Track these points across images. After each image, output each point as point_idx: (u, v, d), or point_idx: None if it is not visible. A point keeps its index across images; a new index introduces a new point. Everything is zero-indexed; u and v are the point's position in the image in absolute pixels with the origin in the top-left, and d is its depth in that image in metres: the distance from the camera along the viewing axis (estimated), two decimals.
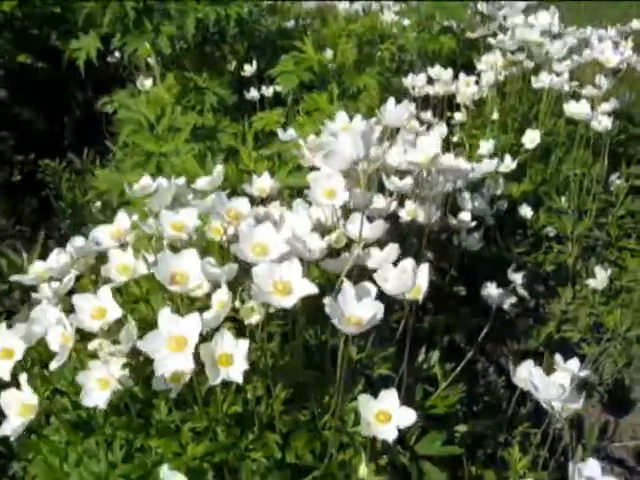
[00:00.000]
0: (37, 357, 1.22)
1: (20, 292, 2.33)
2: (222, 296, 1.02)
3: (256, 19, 2.66)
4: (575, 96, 2.10)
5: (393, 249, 1.18)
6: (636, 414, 1.83)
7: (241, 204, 1.17)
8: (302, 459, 1.06)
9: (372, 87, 2.34)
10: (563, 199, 2.12)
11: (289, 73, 2.37)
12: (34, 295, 2.09)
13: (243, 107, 2.63)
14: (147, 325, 1.13)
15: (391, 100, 1.52)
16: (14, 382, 1.07)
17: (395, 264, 1.08)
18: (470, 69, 2.65)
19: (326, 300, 0.94)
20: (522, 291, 1.54)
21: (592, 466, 1.04)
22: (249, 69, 2.54)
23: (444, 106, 2.45)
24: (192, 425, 1.05)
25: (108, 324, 1.04)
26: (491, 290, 1.71)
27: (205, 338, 0.98)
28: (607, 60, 2.10)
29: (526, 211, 2.02)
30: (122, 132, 2.40)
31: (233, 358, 0.96)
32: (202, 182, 1.29)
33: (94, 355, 1.04)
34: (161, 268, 1.00)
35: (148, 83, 2.53)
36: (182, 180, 1.26)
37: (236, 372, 0.95)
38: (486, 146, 2.10)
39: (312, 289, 0.97)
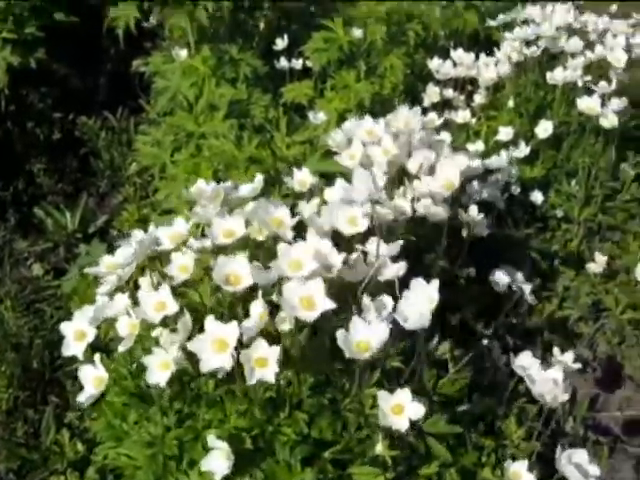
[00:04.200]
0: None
1: (64, 249, 2.53)
2: (259, 309, 1.19)
3: None
4: (588, 90, 2.22)
5: (402, 266, 1.34)
6: (625, 388, 2.02)
7: (283, 213, 1.33)
8: (325, 435, 1.24)
9: (398, 67, 2.47)
10: (573, 183, 2.27)
11: (320, 51, 2.50)
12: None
13: (273, 75, 2.76)
14: (192, 310, 1.32)
15: (403, 109, 1.68)
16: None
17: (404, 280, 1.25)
18: (493, 44, 2.78)
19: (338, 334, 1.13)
20: (530, 298, 1.69)
21: (580, 454, 1.22)
22: (280, 43, 2.66)
23: (466, 84, 2.58)
24: (235, 406, 1.24)
25: (167, 316, 1.22)
26: (499, 275, 1.89)
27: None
28: (616, 60, 2.22)
29: (537, 197, 2.17)
30: (159, 101, 2.57)
31: (267, 361, 1.14)
32: (244, 190, 1.43)
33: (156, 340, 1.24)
34: (217, 270, 1.19)
35: (183, 54, 2.65)
36: (229, 184, 1.43)
37: (269, 373, 1.13)
38: (505, 131, 2.25)
39: (331, 305, 1.15)
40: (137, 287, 1.42)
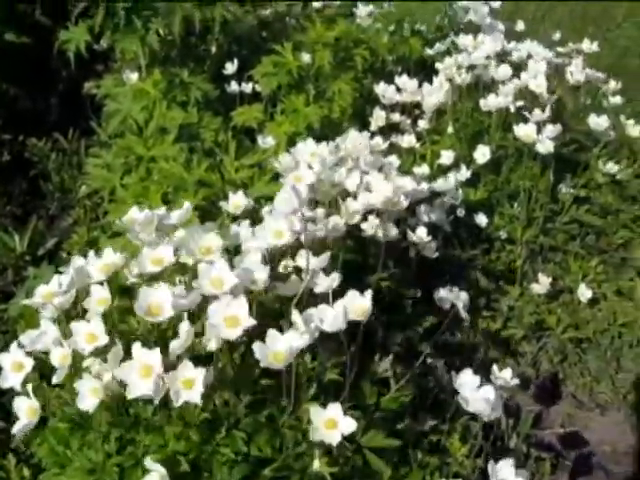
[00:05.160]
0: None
1: (12, 273, 2.50)
2: (186, 327, 1.21)
3: (239, 18, 2.80)
4: (523, 116, 2.29)
5: (335, 279, 1.38)
6: (566, 405, 2.08)
7: (211, 240, 1.35)
8: (264, 452, 1.26)
9: (346, 92, 2.52)
10: (515, 205, 2.34)
11: (269, 75, 2.54)
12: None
13: (224, 99, 2.79)
14: (129, 336, 1.33)
15: (352, 132, 1.73)
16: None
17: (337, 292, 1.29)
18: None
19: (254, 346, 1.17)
20: (464, 314, 1.74)
21: (506, 466, 1.25)
22: (230, 67, 2.69)
23: (412, 109, 2.64)
24: (171, 429, 1.25)
25: (98, 348, 1.23)
26: (443, 294, 1.94)
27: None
28: (537, 86, 2.31)
29: (481, 220, 2.23)
30: (110, 124, 2.57)
31: (194, 383, 1.16)
32: (173, 217, 1.45)
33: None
34: (139, 301, 1.21)
35: (134, 77, 2.66)
36: (163, 210, 1.45)
37: (196, 395, 1.15)
38: (446, 155, 2.31)
39: (252, 322, 1.18)
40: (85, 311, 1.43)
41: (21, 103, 3.33)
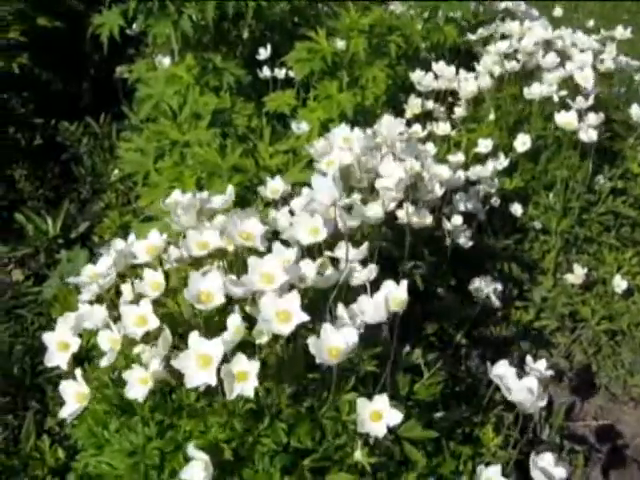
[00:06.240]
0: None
1: (45, 255, 2.53)
2: (236, 322, 1.20)
3: (271, 3, 2.78)
4: (564, 105, 2.25)
5: (372, 270, 1.36)
6: (600, 397, 2.06)
7: (253, 226, 1.33)
8: (304, 444, 1.26)
9: (380, 79, 2.50)
10: (551, 195, 2.31)
11: (303, 61, 2.52)
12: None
13: (256, 85, 2.78)
14: (170, 320, 1.33)
15: (386, 116, 1.71)
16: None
17: (375, 284, 1.27)
18: (473, 57, 2.83)
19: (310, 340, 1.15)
20: (495, 300, 1.72)
21: (546, 458, 1.24)
22: (264, 53, 2.68)
23: (447, 96, 2.62)
24: (215, 419, 1.26)
25: (148, 331, 1.23)
26: (478, 285, 1.93)
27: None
28: (584, 78, 2.27)
29: (517, 208, 2.21)
30: (142, 108, 2.57)
31: (248, 375, 1.16)
32: (216, 201, 1.45)
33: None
34: (190, 288, 1.20)
35: (167, 61, 2.67)
36: (205, 194, 1.45)
37: (249, 387, 1.15)
38: (484, 144, 2.28)
39: (305, 317, 1.16)
40: (119, 294, 1.43)
41: (53, 87, 3.35)
